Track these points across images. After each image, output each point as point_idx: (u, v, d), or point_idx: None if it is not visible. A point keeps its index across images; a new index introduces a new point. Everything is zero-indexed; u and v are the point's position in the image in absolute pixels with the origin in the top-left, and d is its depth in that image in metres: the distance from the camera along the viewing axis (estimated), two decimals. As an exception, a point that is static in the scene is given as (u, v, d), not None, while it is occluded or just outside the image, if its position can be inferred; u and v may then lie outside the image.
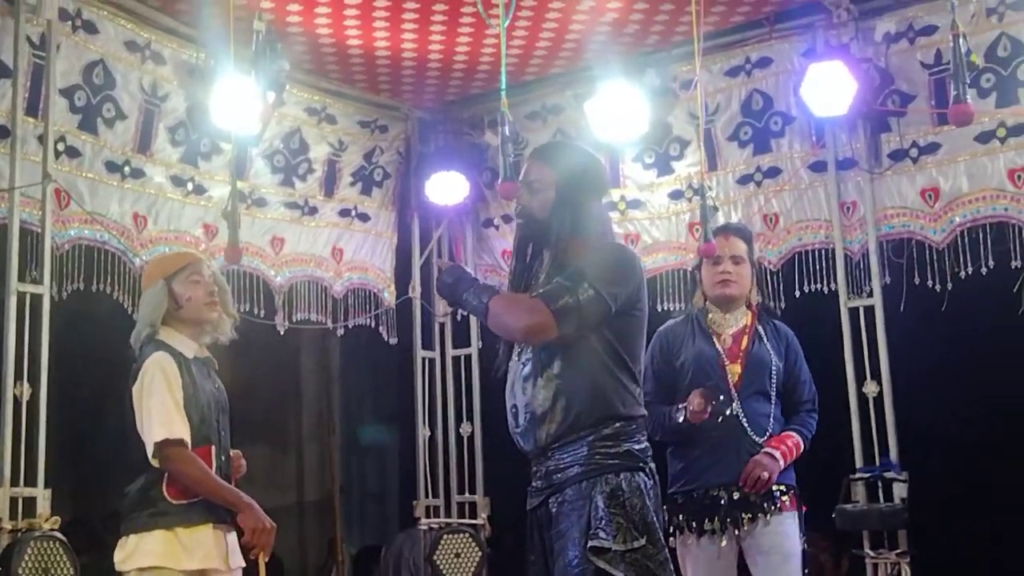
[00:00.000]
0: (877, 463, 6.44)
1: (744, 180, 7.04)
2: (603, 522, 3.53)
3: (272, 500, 6.93)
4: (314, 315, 7.49)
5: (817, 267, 6.76)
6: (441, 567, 7.67)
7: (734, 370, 5.01)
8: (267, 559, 4.39)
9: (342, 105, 7.66)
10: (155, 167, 6.54)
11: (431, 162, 7.86)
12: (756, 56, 6.99)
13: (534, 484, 3.78)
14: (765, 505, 4.88)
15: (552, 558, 3.65)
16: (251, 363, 7.27)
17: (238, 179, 6.48)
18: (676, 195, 7.28)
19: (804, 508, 5.05)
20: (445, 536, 7.75)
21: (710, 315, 5.12)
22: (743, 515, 4.87)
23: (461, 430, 8.09)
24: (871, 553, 6.38)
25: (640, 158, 7.38)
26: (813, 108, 6.48)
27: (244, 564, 4.41)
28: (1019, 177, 6.13)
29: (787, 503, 4.93)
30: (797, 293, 6.72)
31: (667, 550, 3.61)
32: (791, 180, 6.88)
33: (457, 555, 7.69)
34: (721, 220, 6.77)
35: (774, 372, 5.04)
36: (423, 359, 8.13)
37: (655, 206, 7.36)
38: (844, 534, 6.54)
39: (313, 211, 7.53)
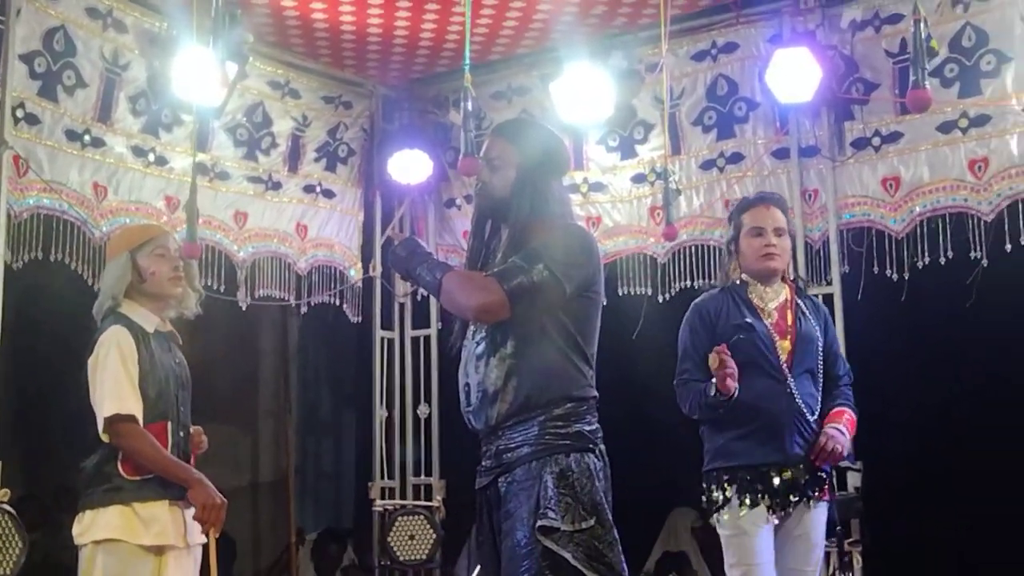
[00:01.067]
0: (832, 451, 6.43)
1: (707, 165, 7.04)
2: (552, 502, 3.50)
3: (227, 479, 6.88)
4: (276, 291, 7.44)
5: (778, 254, 6.74)
6: (395, 549, 7.65)
7: (784, 346, 4.76)
8: (218, 535, 4.37)
9: (306, 80, 7.61)
10: (116, 137, 6.48)
11: (394, 140, 7.83)
12: (722, 41, 6.99)
13: (483, 463, 3.75)
14: (811, 491, 4.69)
15: (500, 538, 3.63)
16: (209, 339, 7.21)
17: (199, 151, 6.45)
18: (639, 179, 7.28)
19: (835, 496, 4.90)
20: (400, 518, 7.73)
21: (750, 288, 4.87)
22: (791, 497, 4.67)
23: (419, 411, 8.07)
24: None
25: (604, 141, 7.37)
26: (778, 94, 6.46)
27: (204, 541, 4.38)
28: (979, 168, 6.15)
29: (825, 491, 4.76)
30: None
31: (615, 531, 3.59)
32: (754, 166, 6.88)
33: (411, 537, 7.68)
34: (683, 205, 6.76)
35: (820, 349, 4.85)
36: (382, 339, 8.10)
37: (617, 189, 7.35)
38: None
39: (277, 186, 7.48)
